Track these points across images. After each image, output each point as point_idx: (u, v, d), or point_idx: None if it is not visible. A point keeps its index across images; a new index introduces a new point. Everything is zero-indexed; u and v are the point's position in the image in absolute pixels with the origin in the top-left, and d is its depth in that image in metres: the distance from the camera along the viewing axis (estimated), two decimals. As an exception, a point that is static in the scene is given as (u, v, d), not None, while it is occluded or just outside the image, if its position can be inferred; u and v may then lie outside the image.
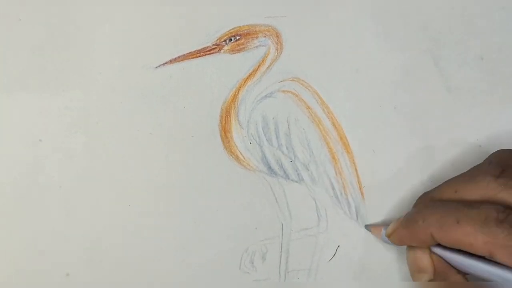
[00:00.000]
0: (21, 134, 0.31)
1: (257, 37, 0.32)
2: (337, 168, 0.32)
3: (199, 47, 0.32)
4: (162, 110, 0.31)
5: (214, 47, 0.32)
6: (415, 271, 0.29)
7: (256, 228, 0.32)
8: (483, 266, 0.26)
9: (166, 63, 0.31)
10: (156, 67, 0.31)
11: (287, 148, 0.32)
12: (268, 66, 0.32)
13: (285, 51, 0.32)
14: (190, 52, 0.32)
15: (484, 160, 0.28)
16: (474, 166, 0.28)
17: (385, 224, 0.31)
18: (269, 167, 0.32)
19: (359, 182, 0.33)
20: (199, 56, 0.32)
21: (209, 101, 0.32)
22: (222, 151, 0.32)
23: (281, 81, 0.32)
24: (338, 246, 0.33)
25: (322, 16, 0.33)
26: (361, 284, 0.33)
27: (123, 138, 0.31)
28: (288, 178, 0.32)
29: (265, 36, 0.32)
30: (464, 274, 0.27)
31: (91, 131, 0.31)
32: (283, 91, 0.32)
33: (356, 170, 0.33)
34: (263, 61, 0.32)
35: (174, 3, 0.32)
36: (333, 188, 0.32)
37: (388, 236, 0.30)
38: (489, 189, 0.26)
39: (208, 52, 0.32)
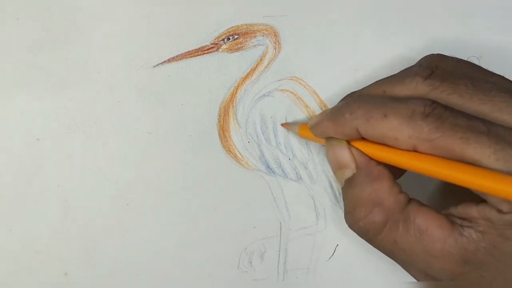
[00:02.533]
0: (19, 134, 0.31)
1: (255, 36, 0.32)
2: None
3: (197, 46, 0.32)
4: (160, 109, 0.32)
5: (212, 46, 0.32)
6: (337, 168, 0.28)
7: (254, 227, 0.32)
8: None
9: (164, 62, 0.31)
10: (154, 66, 0.31)
11: (285, 147, 0.32)
12: (266, 65, 0.32)
13: (283, 50, 0.32)
14: (188, 51, 0.32)
15: (415, 64, 0.28)
16: (404, 69, 0.28)
17: (300, 122, 0.32)
18: (268, 166, 0.32)
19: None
20: (197, 55, 0.32)
21: (207, 100, 0.32)
22: (220, 150, 0.32)
23: (279, 80, 0.32)
24: (337, 245, 0.33)
25: (321, 15, 0.33)
26: (360, 283, 0.33)
27: (122, 137, 0.31)
28: (287, 177, 0.32)
29: (263, 35, 0.32)
30: (385, 166, 0.27)
31: (89, 130, 0.31)
32: (281, 90, 0.32)
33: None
34: (261, 60, 0.32)
35: (172, 2, 0.32)
36: (332, 187, 0.32)
37: (311, 127, 0.29)
38: (417, 89, 0.26)
39: (206, 51, 0.32)
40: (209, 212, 0.32)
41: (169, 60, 0.32)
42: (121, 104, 0.31)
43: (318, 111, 0.32)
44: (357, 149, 0.27)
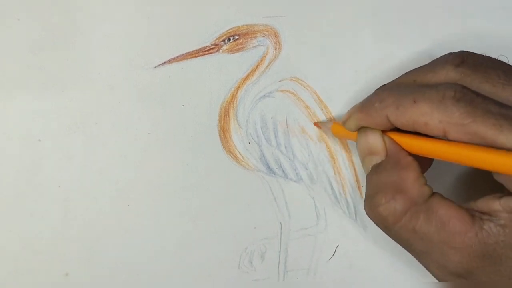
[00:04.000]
0: (19, 134, 0.31)
1: (255, 37, 0.32)
2: (336, 168, 0.32)
3: (198, 47, 0.32)
4: (161, 110, 0.32)
5: (212, 47, 0.32)
6: (366, 154, 0.28)
7: (255, 228, 0.32)
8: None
9: (165, 62, 0.31)
10: (155, 67, 0.31)
11: (285, 147, 0.32)
12: (267, 66, 0.32)
13: (284, 51, 0.32)
14: (188, 52, 0.32)
15: (445, 54, 0.28)
16: (435, 59, 0.28)
17: (331, 120, 0.32)
18: (268, 167, 0.32)
19: (357, 181, 0.33)
20: (198, 56, 0.32)
21: (207, 100, 0.32)
22: (220, 151, 0.32)
23: (280, 81, 0.32)
24: (337, 245, 0.33)
25: (321, 16, 0.33)
26: (360, 284, 0.33)
27: (122, 138, 0.31)
28: (287, 178, 0.32)
29: (263, 36, 0.32)
30: (416, 158, 0.27)
31: (90, 131, 0.31)
32: (282, 91, 0.32)
33: (354, 169, 0.33)
34: (261, 61, 0.32)
35: (173, 3, 0.32)
36: (332, 188, 0.32)
37: (344, 122, 0.29)
38: (448, 77, 0.26)
39: (207, 52, 0.32)
40: (209, 213, 0.32)
41: (169, 61, 0.32)
42: (122, 105, 0.31)
43: (318, 111, 0.32)
44: (390, 138, 0.27)
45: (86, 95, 0.31)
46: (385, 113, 0.26)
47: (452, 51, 0.28)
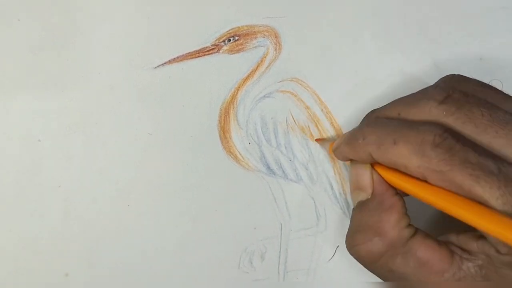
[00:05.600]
0: (19, 134, 0.31)
1: (256, 38, 0.32)
2: (336, 168, 0.32)
3: (198, 48, 0.32)
4: (161, 110, 0.32)
5: (213, 47, 0.32)
6: (354, 188, 0.28)
7: (255, 228, 0.32)
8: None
9: (165, 63, 0.31)
10: (155, 68, 0.31)
11: (285, 148, 0.32)
12: (267, 67, 0.32)
13: (284, 52, 0.32)
14: (189, 53, 0.32)
15: (433, 84, 0.27)
16: (422, 89, 0.27)
17: (333, 139, 0.32)
18: (268, 167, 0.32)
19: (357, 182, 0.33)
20: (198, 57, 0.32)
21: (208, 101, 0.32)
22: (221, 151, 0.32)
23: (280, 81, 0.32)
24: (338, 246, 0.33)
25: (321, 17, 0.33)
26: (361, 284, 0.33)
27: (122, 138, 0.31)
28: (287, 178, 0.32)
29: (264, 37, 0.32)
30: (402, 196, 0.27)
31: (90, 131, 0.31)
32: (282, 91, 0.32)
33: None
34: (262, 61, 0.32)
35: (173, 3, 0.32)
36: (332, 188, 0.32)
37: (334, 151, 0.29)
38: (431, 114, 0.25)
39: (207, 53, 0.32)
40: (209, 213, 0.32)
41: (170, 61, 0.32)
42: (122, 105, 0.31)
43: (318, 112, 0.32)
44: (379, 175, 0.27)
45: (86, 95, 0.31)
46: (368, 150, 0.26)
47: (445, 76, 0.28)
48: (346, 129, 0.32)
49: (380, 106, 0.29)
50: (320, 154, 0.32)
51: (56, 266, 0.31)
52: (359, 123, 0.29)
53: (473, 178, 0.23)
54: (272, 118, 0.32)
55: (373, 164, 0.27)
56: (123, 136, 0.31)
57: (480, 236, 0.25)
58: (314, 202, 0.33)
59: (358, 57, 0.33)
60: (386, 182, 0.27)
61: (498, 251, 0.24)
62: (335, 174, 0.32)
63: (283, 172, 0.32)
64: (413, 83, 0.33)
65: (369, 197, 0.27)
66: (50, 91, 0.31)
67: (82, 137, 0.31)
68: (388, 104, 0.28)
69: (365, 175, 0.27)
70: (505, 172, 0.23)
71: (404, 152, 0.24)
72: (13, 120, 0.31)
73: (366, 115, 0.29)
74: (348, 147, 0.28)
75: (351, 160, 0.29)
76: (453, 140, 0.24)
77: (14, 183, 0.31)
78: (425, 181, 0.25)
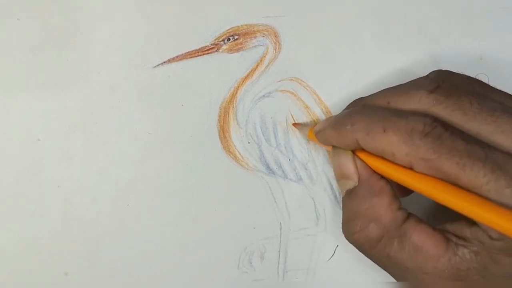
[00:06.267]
0: (19, 134, 0.31)
1: (255, 37, 0.32)
2: (336, 168, 0.32)
3: (198, 47, 0.32)
4: (161, 110, 0.32)
5: (212, 46, 0.32)
6: (340, 177, 0.28)
7: (254, 228, 0.32)
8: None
9: (164, 62, 0.31)
10: (155, 67, 0.31)
11: (285, 147, 0.32)
12: (267, 66, 0.32)
13: (284, 51, 0.32)
14: (188, 52, 0.32)
15: (422, 76, 0.28)
16: (412, 80, 0.28)
17: (311, 124, 0.31)
18: (268, 167, 0.32)
19: (357, 181, 0.33)
20: (198, 56, 0.32)
21: (207, 100, 0.32)
22: (220, 151, 0.32)
23: (280, 81, 0.32)
24: (337, 245, 0.33)
25: (321, 16, 0.33)
26: (360, 284, 0.33)
27: (122, 138, 0.31)
28: (287, 178, 0.32)
29: (263, 36, 0.32)
30: (388, 180, 0.27)
31: (89, 130, 0.31)
32: (282, 91, 0.32)
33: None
34: (261, 60, 0.32)
35: (173, 3, 0.32)
36: (332, 188, 0.32)
37: (316, 133, 0.29)
38: (421, 103, 0.26)
39: (207, 52, 0.32)
40: (209, 213, 0.32)
41: (169, 61, 0.32)
42: (122, 105, 0.31)
43: (318, 111, 0.32)
44: (362, 160, 0.27)
45: (86, 95, 0.31)
46: (355, 137, 0.26)
47: (431, 72, 0.28)
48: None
49: (368, 95, 0.29)
50: (320, 154, 0.32)
51: (56, 266, 0.31)
52: (343, 109, 0.29)
53: (460, 166, 0.23)
54: (271, 118, 0.32)
55: (355, 151, 0.27)
56: (123, 135, 0.31)
57: (472, 222, 0.25)
58: (314, 202, 0.32)
59: (358, 57, 0.33)
60: (370, 167, 0.27)
61: (490, 237, 0.24)
62: (335, 173, 0.32)
63: (283, 172, 0.32)
64: (413, 82, 0.33)
65: (356, 184, 0.27)
66: (50, 91, 0.31)
67: (82, 136, 0.31)
68: (377, 92, 0.28)
69: (348, 162, 0.27)
70: (492, 158, 0.23)
71: (393, 140, 0.25)
72: (13, 120, 0.31)
73: (353, 101, 0.30)
74: (334, 131, 0.28)
75: (332, 147, 0.29)
76: (442, 129, 0.24)
77: (14, 183, 0.31)
78: (411, 169, 0.25)
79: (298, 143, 0.32)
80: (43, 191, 0.31)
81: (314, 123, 0.32)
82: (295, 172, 0.32)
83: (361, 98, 0.29)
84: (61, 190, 0.31)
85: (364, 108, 0.28)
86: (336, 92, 0.33)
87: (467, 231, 0.25)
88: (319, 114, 0.32)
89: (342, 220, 0.28)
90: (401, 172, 0.25)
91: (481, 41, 0.33)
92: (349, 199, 0.28)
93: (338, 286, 0.33)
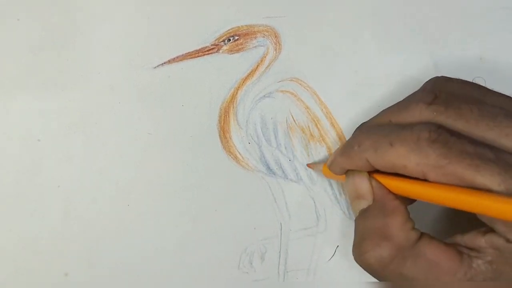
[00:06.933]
0: (19, 134, 0.31)
1: (255, 37, 0.32)
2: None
3: (198, 47, 0.32)
4: (161, 110, 0.32)
5: (212, 47, 0.32)
6: (354, 198, 0.28)
7: (255, 228, 0.32)
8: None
9: (164, 63, 0.31)
10: (155, 67, 0.31)
11: (285, 148, 0.32)
12: (267, 66, 0.32)
13: (284, 51, 0.32)
14: (188, 52, 0.32)
15: (419, 89, 0.28)
16: (409, 95, 0.28)
17: (324, 161, 0.32)
18: (268, 167, 0.32)
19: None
20: (198, 56, 0.32)
21: (207, 101, 0.32)
22: (220, 151, 0.32)
23: (280, 81, 0.32)
24: (337, 246, 0.33)
25: (321, 17, 0.33)
26: (360, 284, 0.33)
27: (122, 138, 0.31)
28: (287, 178, 0.32)
29: (263, 36, 0.32)
30: (403, 200, 0.27)
31: (89, 131, 0.31)
32: (282, 91, 0.32)
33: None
34: (261, 61, 0.32)
35: (173, 3, 0.32)
36: (332, 188, 0.32)
37: (329, 166, 0.29)
38: (422, 115, 0.25)
39: (207, 52, 0.32)
40: (209, 213, 0.32)
41: (169, 61, 0.32)
42: (122, 105, 0.31)
43: (318, 112, 0.32)
44: (378, 181, 0.27)
45: (86, 95, 0.31)
46: (365, 156, 0.26)
47: (428, 80, 0.28)
48: (345, 128, 0.32)
49: (369, 119, 0.29)
50: (320, 154, 0.32)
51: (56, 266, 0.31)
52: (349, 137, 0.29)
53: (473, 167, 0.23)
54: (272, 118, 0.32)
55: (370, 172, 0.27)
56: (123, 136, 0.31)
57: (486, 230, 0.25)
58: (314, 202, 0.32)
59: (358, 57, 0.33)
60: (385, 187, 0.27)
61: (508, 240, 0.24)
62: (335, 174, 0.32)
63: (283, 172, 0.32)
64: (413, 83, 0.33)
65: (371, 203, 0.27)
66: (50, 91, 0.31)
67: (82, 137, 0.31)
68: (377, 114, 0.28)
69: (363, 182, 0.27)
70: (503, 158, 0.23)
71: (402, 152, 0.25)
72: (13, 120, 0.31)
73: (357, 128, 0.29)
74: (343, 157, 0.28)
75: (346, 172, 0.29)
76: (448, 134, 0.24)
77: (14, 183, 0.31)
78: (425, 180, 0.25)
79: (299, 144, 0.32)
80: (43, 191, 0.31)
81: (324, 160, 0.32)
82: (296, 172, 0.32)
83: (363, 123, 0.29)
84: (61, 190, 0.31)
85: (369, 128, 0.28)
86: (336, 92, 0.33)
87: (480, 241, 0.25)
88: (319, 114, 0.32)
89: (354, 241, 0.28)
90: (416, 185, 0.25)
91: (481, 41, 0.33)
92: (362, 219, 0.27)
93: (338, 287, 0.33)
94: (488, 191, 0.23)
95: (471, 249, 0.25)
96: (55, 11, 0.31)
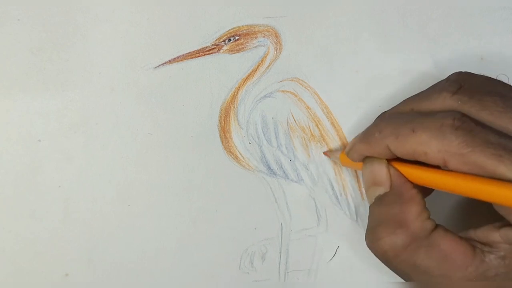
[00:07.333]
0: (20, 135, 0.31)
1: (256, 37, 0.32)
2: (337, 169, 0.32)
3: (198, 47, 0.32)
4: (161, 110, 0.31)
5: (213, 47, 0.32)
6: (371, 185, 0.28)
7: (255, 229, 0.32)
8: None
9: (165, 63, 0.31)
10: (155, 67, 0.31)
11: (286, 148, 0.32)
12: (268, 66, 0.32)
13: (285, 51, 0.32)
14: (189, 52, 0.32)
15: (442, 80, 0.28)
16: (432, 85, 0.28)
17: (341, 149, 0.32)
18: (269, 167, 0.32)
19: (358, 182, 0.33)
20: (198, 56, 0.32)
21: (208, 101, 0.32)
22: (221, 151, 0.32)
23: (280, 81, 0.32)
24: (338, 246, 0.33)
25: (322, 17, 0.33)
26: (361, 285, 0.33)
27: (122, 139, 0.31)
28: (288, 178, 0.32)
29: (264, 36, 0.32)
30: (420, 189, 0.27)
31: (90, 131, 0.31)
32: (283, 91, 0.32)
33: (355, 170, 0.32)
34: (262, 61, 0.32)
35: (173, 3, 0.32)
36: (333, 189, 0.32)
37: (347, 153, 0.29)
38: (445, 104, 0.25)
39: (207, 52, 0.32)
40: (210, 213, 0.32)
41: (170, 61, 0.31)
42: (122, 105, 0.31)
43: (319, 112, 0.32)
44: (396, 169, 0.27)
45: (87, 95, 0.31)
46: (385, 143, 0.26)
47: (452, 73, 0.28)
48: (346, 128, 0.32)
49: (391, 107, 0.29)
50: (321, 154, 0.32)
51: (56, 267, 0.31)
52: (369, 125, 0.29)
53: (496, 157, 0.23)
54: (272, 118, 0.32)
55: (389, 160, 0.27)
56: (123, 136, 0.31)
57: (501, 225, 0.25)
58: (315, 203, 0.32)
59: (359, 57, 0.33)
60: (403, 176, 0.27)
61: None
62: (336, 174, 0.32)
63: (284, 172, 0.32)
64: (413, 82, 0.33)
65: (388, 190, 0.27)
66: (50, 91, 0.31)
67: (82, 137, 0.31)
68: (399, 103, 0.28)
69: (382, 169, 0.27)
70: None
71: (424, 138, 0.24)
72: (13, 120, 0.31)
73: (378, 116, 0.29)
74: (363, 143, 0.28)
75: (364, 159, 0.28)
76: (473, 123, 0.24)
77: (14, 184, 0.31)
78: (445, 169, 0.25)
79: (299, 144, 0.32)
80: (43, 191, 0.31)
81: (343, 147, 0.32)
82: (296, 172, 0.32)
83: (384, 112, 0.29)
84: (62, 191, 0.31)
85: (390, 115, 0.28)
86: (337, 92, 0.33)
87: (495, 235, 0.25)
88: (320, 114, 0.32)
89: (367, 227, 0.28)
90: (435, 173, 0.25)
91: (481, 41, 0.33)
92: (378, 205, 0.27)
93: (339, 287, 0.33)
94: (509, 181, 0.23)
95: (484, 244, 0.25)
96: (55, 11, 0.31)
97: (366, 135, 0.28)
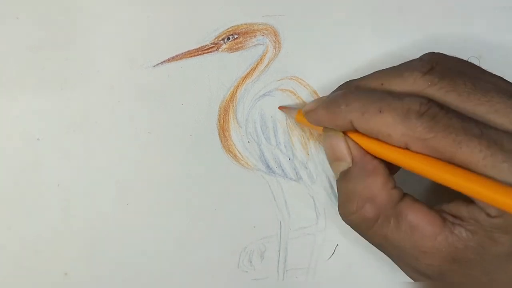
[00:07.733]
0: (19, 133, 0.31)
1: (255, 36, 0.32)
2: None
3: (197, 46, 0.32)
4: (160, 109, 0.32)
5: (212, 46, 0.32)
6: (333, 160, 0.28)
7: (254, 227, 0.32)
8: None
9: (164, 62, 0.32)
10: (154, 66, 0.31)
11: (285, 146, 0.32)
12: (266, 65, 0.32)
13: (283, 50, 0.32)
14: (188, 51, 0.32)
15: (415, 59, 0.28)
16: (404, 62, 0.28)
17: (299, 106, 0.31)
18: (268, 166, 0.32)
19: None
20: (197, 55, 0.32)
21: (207, 99, 0.32)
22: (220, 150, 0.32)
23: (279, 80, 0.32)
24: (337, 244, 0.33)
25: (320, 15, 0.33)
26: (360, 283, 0.33)
27: (121, 137, 0.31)
28: (287, 177, 0.32)
29: (263, 35, 0.32)
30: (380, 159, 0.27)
31: (89, 130, 0.31)
32: (282, 90, 0.32)
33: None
34: (261, 59, 0.32)
35: (172, 2, 0.32)
36: (332, 187, 0.32)
37: (305, 113, 0.29)
38: (415, 84, 0.26)
39: (206, 51, 0.32)
40: (208, 212, 0.32)
41: (169, 60, 0.32)
42: (121, 104, 0.31)
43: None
44: (354, 141, 0.27)
45: (86, 94, 0.31)
46: (350, 117, 0.26)
47: (424, 53, 0.28)
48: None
49: (361, 77, 0.29)
50: (320, 153, 0.32)
51: (56, 266, 0.31)
52: (335, 91, 0.29)
53: (456, 143, 0.23)
54: (271, 117, 0.32)
55: (346, 132, 0.27)
56: (122, 135, 0.31)
57: (469, 201, 0.25)
58: (314, 201, 0.32)
59: (358, 55, 0.33)
60: (362, 147, 0.27)
61: (488, 215, 0.24)
62: (334, 173, 0.32)
63: (283, 170, 0.32)
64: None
65: (350, 165, 0.27)
66: (49, 90, 0.31)
67: (81, 136, 0.31)
68: (370, 74, 0.28)
69: (341, 143, 0.27)
70: (487, 134, 0.23)
71: (390, 121, 0.25)
72: (13, 119, 0.31)
73: (344, 83, 0.29)
74: (327, 112, 0.27)
75: (323, 129, 0.28)
76: (437, 108, 0.24)
77: (13, 182, 0.31)
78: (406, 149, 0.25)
79: (298, 142, 0.32)
80: (42, 190, 0.31)
81: (302, 105, 0.32)
82: (295, 171, 0.32)
83: (352, 80, 0.29)
84: (61, 190, 0.31)
85: (359, 89, 0.28)
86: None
87: (463, 211, 0.25)
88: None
89: (338, 202, 0.28)
90: (396, 152, 0.25)
91: (481, 41, 0.33)
92: (344, 181, 0.28)
93: (338, 285, 0.33)
94: (468, 168, 0.23)
95: (455, 217, 0.25)
96: (55, 10, 0.31)
97: (331, 105, 0.27)
